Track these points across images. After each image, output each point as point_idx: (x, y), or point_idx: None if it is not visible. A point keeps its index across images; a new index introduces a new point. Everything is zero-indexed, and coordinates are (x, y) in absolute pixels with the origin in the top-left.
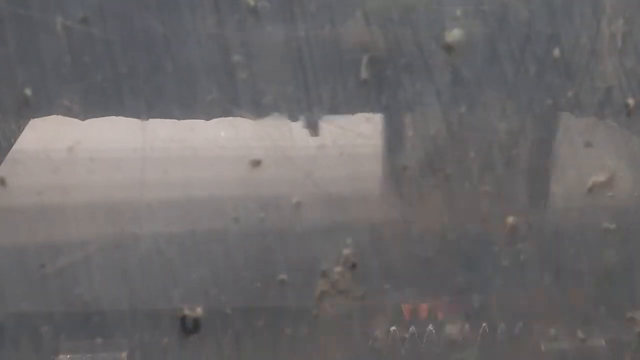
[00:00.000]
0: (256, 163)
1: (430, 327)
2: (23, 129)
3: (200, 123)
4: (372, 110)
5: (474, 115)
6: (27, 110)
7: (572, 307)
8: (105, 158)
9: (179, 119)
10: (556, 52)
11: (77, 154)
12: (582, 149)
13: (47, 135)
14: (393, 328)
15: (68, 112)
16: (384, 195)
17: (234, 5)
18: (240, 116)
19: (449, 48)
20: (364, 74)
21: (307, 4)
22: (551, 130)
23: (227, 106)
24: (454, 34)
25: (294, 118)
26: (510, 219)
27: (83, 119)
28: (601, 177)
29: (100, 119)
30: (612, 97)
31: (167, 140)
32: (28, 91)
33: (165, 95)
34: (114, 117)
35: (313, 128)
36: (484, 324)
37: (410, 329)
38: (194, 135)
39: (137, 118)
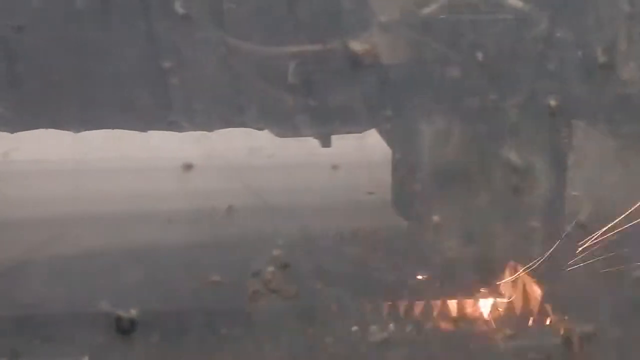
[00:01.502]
0: (188, 167)
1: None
2: None
3: None
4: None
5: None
6: None
7: None
8: (41, 160)
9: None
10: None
11: (12, 159)
12: None
13: None
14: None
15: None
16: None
17: (165, 13)
18: (175, 123)
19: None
20: (292, 79)
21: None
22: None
23: (161, 113)
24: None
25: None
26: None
27: (13, 131)
28: None
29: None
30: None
31: (100, 144)
32: None
33: (99, 103)
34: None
35: (324, 140)
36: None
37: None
38: (125, 139)
39: (71, 126)
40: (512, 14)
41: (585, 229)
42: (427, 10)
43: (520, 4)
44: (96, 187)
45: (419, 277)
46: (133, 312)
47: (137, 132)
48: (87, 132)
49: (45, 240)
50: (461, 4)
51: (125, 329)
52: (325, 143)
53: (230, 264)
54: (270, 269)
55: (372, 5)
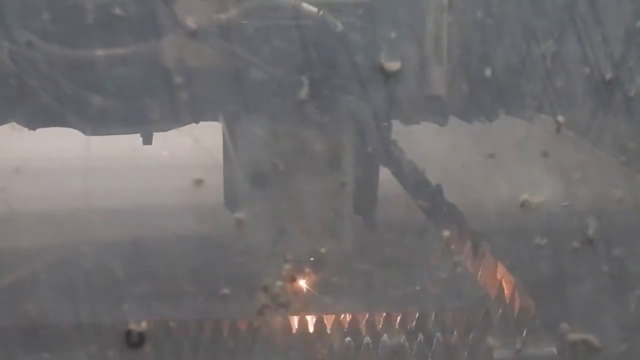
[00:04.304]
0: (199, 182)
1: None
2: None
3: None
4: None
5: None
6: None
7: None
8: (50, 179)
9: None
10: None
11: (24, 172)
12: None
13: None
14: (348, 339)
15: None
16: None
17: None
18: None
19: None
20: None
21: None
22: None
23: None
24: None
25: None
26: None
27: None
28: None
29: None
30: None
31: (110, 159)
32: None
33: (108, 114)
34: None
35: (147, 138)
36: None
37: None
38: (136, 154)
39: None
40: (309, 20)
41: (592, 245)
42: (226, 16)
43: (314, 11)
44: (105, 200)
45: None
46: (143, 326)
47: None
48: (96, 148)
49: (53, 254)
50: (259, 10)
51: (135, 342)
52: (147, 141)
53: (239, 277)
54: (279, 283)
55: (177, 10)
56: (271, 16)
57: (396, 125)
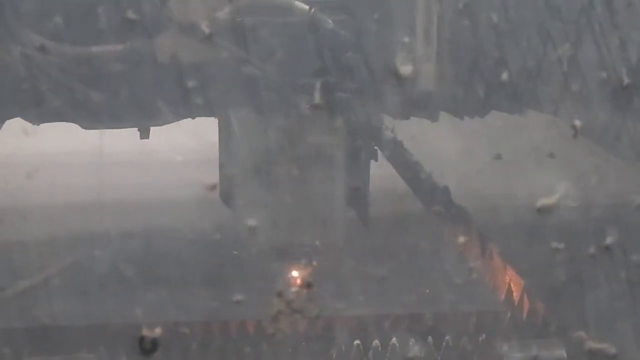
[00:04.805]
0: (212, 187)
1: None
2: None
3: (155, 148)
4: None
5: None
6: None
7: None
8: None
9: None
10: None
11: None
12: None
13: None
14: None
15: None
16: None
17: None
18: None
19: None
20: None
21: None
22: None
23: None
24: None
25: None
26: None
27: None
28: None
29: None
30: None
31: (123, 157)
32: None
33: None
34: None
35: (144, 132)
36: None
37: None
38: (149, 159)
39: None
40: (300, 17)
41: (610, 252)
42: (221, 14)
43: (306, 8)
44: (117, 204)
45: None
46: (156, 332)
47: (161, 151)
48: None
49: (67, 261)
50: (254, 7)
51: (148, 349)
52: (144, 135)
53: (253, 283)
54: (294, 288)
55: (172, 8)
56: (264, 14)
57: (403, 125)
